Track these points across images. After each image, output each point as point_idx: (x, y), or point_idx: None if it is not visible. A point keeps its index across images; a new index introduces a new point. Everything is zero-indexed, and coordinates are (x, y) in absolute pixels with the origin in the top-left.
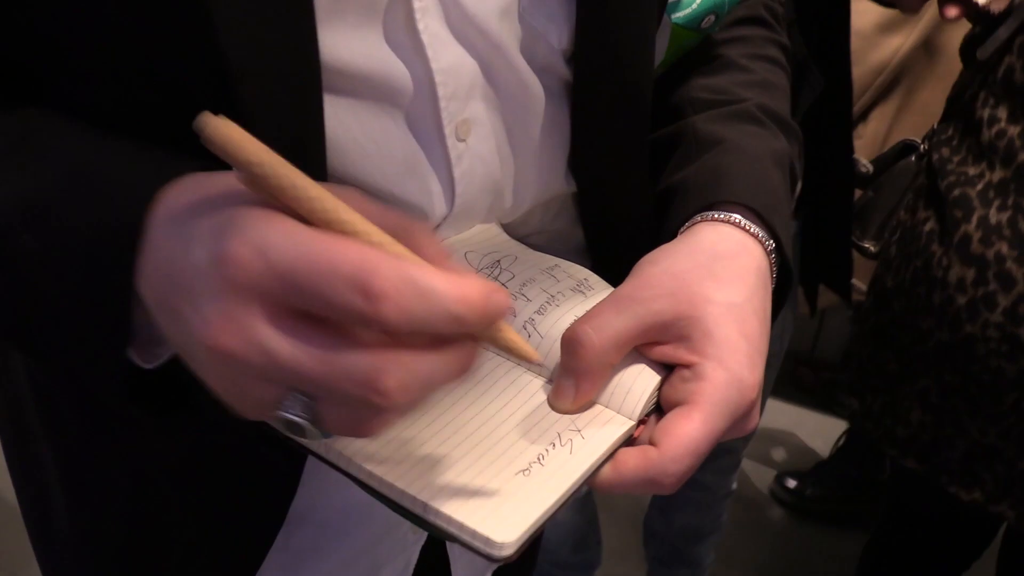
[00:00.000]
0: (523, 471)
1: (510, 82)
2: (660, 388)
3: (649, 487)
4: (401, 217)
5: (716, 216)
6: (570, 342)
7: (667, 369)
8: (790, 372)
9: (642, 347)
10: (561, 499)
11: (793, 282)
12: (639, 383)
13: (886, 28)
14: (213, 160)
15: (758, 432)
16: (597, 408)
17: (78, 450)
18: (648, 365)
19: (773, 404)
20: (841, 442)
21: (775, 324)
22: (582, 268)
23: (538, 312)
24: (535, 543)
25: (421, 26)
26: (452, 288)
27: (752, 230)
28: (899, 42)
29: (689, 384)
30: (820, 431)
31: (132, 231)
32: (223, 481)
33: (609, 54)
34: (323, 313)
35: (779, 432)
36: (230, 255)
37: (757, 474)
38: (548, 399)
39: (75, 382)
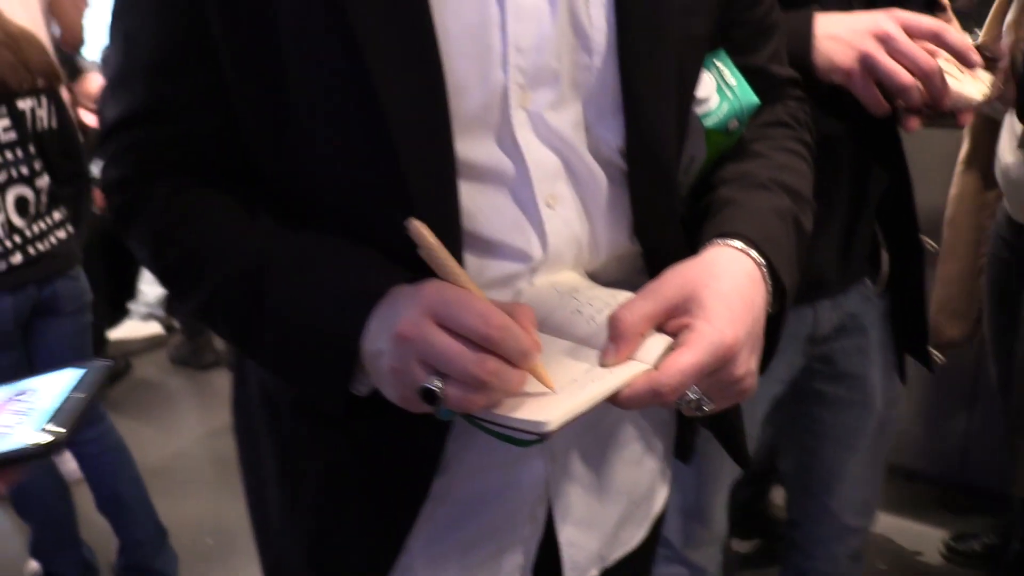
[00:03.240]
0: (570, 389)
1: (582, 171)
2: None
3: (653, 397)
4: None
5: (718, 242)
6: (612, 319)
7: None
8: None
9: (662, 324)
10: (590, 405)
11: (788, 303)
12: (656, 343)
13: None
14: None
15: None
16: (629, 362)
17: (289, 446)
18: (664, 336)
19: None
20: None
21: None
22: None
23: (598, 312)
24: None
25: (519, 136)
26: (523, 336)
27: (744, 249)
28: None
29: (685, 334)
30: None
31: (357, 332)
32: (385, 466)
33: (651, 154)
34: (460, 330)
35: None
36: (422, 290)
37: None
38: (599, 358)
39: (300, 394)
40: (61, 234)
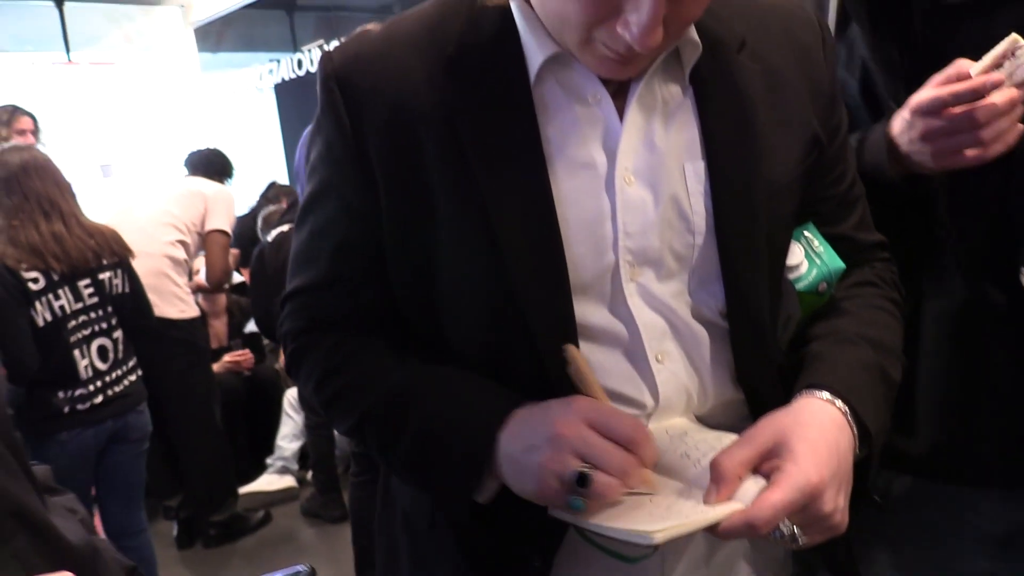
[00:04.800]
0: (676, 517)
1: (686, 331)
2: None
3: (747, 530)
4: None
5: (808, 393)
6: (714, 464)
7: None
8: None
9: (757, 466)
10: (693, 530)
11: (876, 447)
12: (752, 484)
13: None
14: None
15: None
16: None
17: (424, 558)
18: (759, 477)
19: None
20: None
21: None
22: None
23: (703, 455)
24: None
25: (630, 303)
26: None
27: (830, 400)
28: None
29: (776, 475)
30: None
31: (489, 444)
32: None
33: (749, 315)
34: (609, 434)
35: None
36: (576, 401)
37: None
38: (703, 497)
39: (433, 500)
40: (132, 377)
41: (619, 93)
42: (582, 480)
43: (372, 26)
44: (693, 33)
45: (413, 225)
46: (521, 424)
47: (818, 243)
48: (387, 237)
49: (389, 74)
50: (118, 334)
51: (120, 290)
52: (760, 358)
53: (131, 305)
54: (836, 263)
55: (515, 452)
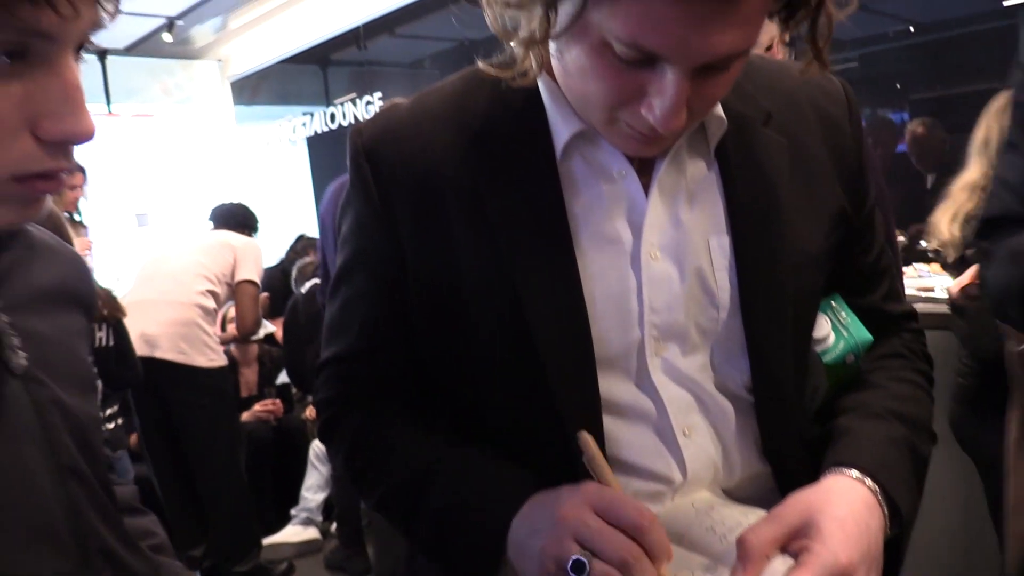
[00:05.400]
0: None
1: (712, 404)
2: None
3: None
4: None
5: (836, 470)
6: (740, 542)
7: None
8: None
9: (785, 545)
10: None
11: (907, 526)
12: (779, 563)
13: None
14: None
15: None
16: None
17: None
18: (787, 556)
19: None
20: None
21: None
22: (763, 511)
23: (730, 531)
24: None
25: (655, 378)
26: (664, 537)
27: (859, 478)
28: None
29: (803, 556)
30: None
31: (503, 532)
32: None
33: (774, 389)
34: (614, 520)
35: None
36: (585, 487)
37: None
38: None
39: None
40: (111, 425)
41: (644, 169)
42: (577, 567)
43: (400, 100)
44: (718, 108)
45: (441, 298)
46: (532, 508)
47: (845, 315)
48: (415, 309)
49: (416, 148)
50: (99, 384)
51: (104, 343)
52: (786, 431)
53: (115, 357)
54: (863, 335)
55: (521, 536)
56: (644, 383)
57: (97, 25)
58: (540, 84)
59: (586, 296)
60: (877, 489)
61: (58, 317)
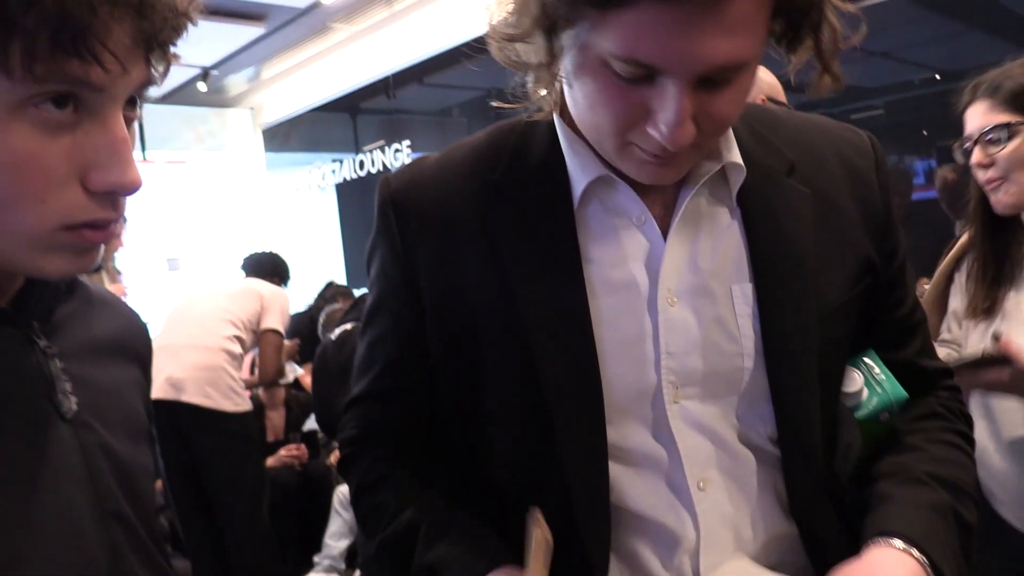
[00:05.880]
0: None
1: (733, 456)
2: None
3: None
4: None
5: (880, 541)
6: None
7: None
8: None
9: None
10: None
11: None
12: None
13: None
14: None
15: None
16: None
17: None
18: None
19: None
20: None
21: None
22: None
23: None
24: None
25: (672, 426)
26: None
27: (906, 549)
28: None
29: None
30: None
31: None
32: None
33: (801, 441)
34: None
35: None
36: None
37: None
38: None
39: None
40: None
41: (663, 215)
42: None
43: (432, 155)
44: (737, 157)
45: (456, 344)
46: None
47: (879, 370)
48: (433, 353)
49: (439, 198)
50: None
51: None
52: (815, 489)
53: None
54: (898, 392)
55: None
56: (661, 431)
57: (148, 82)
58: (559, 131)
59: (598, 341)
60: (925, 561)
61: (113, 367)
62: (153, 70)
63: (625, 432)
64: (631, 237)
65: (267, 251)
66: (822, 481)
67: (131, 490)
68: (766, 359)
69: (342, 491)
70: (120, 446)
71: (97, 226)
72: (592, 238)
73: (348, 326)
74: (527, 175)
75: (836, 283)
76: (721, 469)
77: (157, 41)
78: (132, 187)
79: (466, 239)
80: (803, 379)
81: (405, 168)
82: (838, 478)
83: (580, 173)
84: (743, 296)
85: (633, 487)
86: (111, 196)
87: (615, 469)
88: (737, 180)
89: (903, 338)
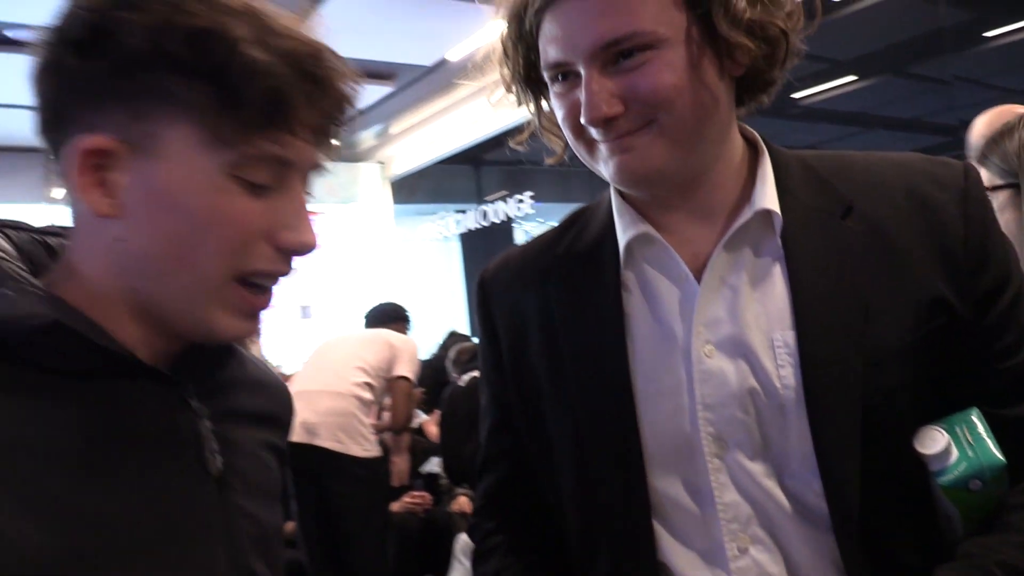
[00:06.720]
0: None
1: (778, 516)
2: None
3: None
4: None
5: None
6: None
7: None
8: None
9: None
10: None
11: None
12: None
13: None
14: None
15: None
16: None
17: None
18: None
19: None
20: None
21: None
22: None
23: None
24: None
25: (712, 481)
26: None
27: None
28: None
29: None
30: None
31: None
32: None
33: (848, 500)
34: None
35: None
36: None
37: None
38: None
39: None
40: None
41: (702, 267)
42: None
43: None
44: (772, 203)
45: (532, 407)
46: None
47: (978, 431)
48: (516, 419)
49: (512, 278)
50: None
51: None
52: (875, 555)
53: None
54: (990, 457)
55: None
56: (701, 487)
57: (321, 162)
58: (612, 196)
59: (636, 392)
60: None
61: (256, 432)
62: (326, 150)
63: (666, 486)
64: (668, 290)
65: (388, 301)
66: (884, 547)
67: (265, 550)
68: (808, 410)
69: (464, 539)
70: (256, 506)
71: (264, 287)
72: (634, 294)
73: (476, 373)
74: (584, 244)
75: (893, 325)
76: (767, 529)
77: (336, 121)
78: (312, 247)
79: (532, 312)
80: (850, 433)
81: (500, 255)
82: (923, 549)
83: (623, 233)
84: (785, 345)
85: (673, 545)
86: (290, 255)
87: (661, 526)
88: (776, 227)
89: (1014, 392)
